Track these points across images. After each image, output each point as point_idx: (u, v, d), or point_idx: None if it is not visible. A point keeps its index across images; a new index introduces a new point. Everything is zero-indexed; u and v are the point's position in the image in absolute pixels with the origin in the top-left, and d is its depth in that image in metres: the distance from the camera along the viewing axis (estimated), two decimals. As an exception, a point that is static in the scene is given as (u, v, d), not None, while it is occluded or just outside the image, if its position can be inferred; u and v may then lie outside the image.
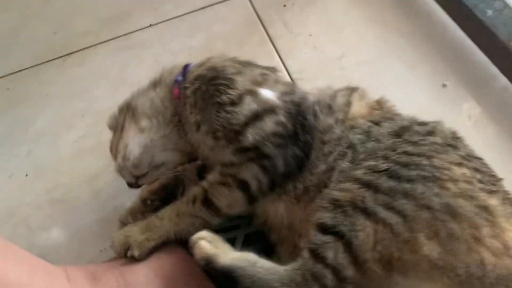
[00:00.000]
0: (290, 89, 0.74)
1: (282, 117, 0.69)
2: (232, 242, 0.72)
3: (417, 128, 0.69)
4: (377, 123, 0.70)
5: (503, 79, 0.97)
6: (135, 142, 0.75)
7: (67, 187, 0.98)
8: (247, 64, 0.76)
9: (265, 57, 1.13)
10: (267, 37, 1.17)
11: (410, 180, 0.59)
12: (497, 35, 0.95)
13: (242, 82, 0.70)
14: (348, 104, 0.74)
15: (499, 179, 0.65)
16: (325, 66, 1.07)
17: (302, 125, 0.69)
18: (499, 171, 0.89)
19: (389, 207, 0.58)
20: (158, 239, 0.69)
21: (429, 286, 0.57)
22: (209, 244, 0.63)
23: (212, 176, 0.70)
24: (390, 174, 0.61)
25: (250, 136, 0.67)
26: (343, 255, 0.58)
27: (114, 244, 0.70)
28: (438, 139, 0.66)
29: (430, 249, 0.55)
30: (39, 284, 0.60)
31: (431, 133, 0.68)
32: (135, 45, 1.23)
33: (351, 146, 0.68)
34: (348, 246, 0.58)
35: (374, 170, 0.62)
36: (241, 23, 1.21)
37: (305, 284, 0.58)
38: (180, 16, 1.26)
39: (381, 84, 0.80)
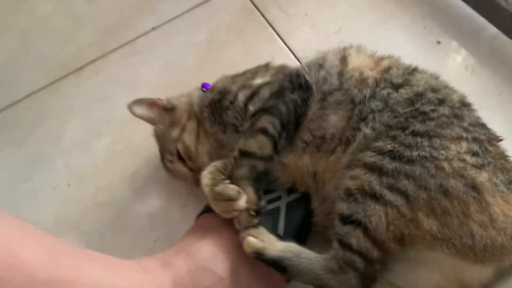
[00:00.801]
0: (279, 70, 0.91)
1: (275, 85, 0.85)
2: (276, 212, 0.81)
3: (430, 95, 0.76)
4: (394, 85, 0.78)
5: (491, 28, 1.05)
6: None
7: (109, 189, 1.04)
8: (242, 73, 0.94)
9: (267, 41, 1.19)
10: (265, 22, 1.23)
11: (410, 161, 0.68)
12: (481, -12, 1.02)
13: (235, 87, 0.89)
14: (344, 58, 0.84)
15: (499, 140, 0.75)
16: (326, 41, 1.13)
17: (290, 81, 0.84)
18: (500, 112, 0.98)
19: (393, 188, 0.67)
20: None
21: (433, 255, 0.67)
22: (255, 238, 0.73)
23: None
24: (393, 155, 0.69)
25: (252, 107, 0.84)
26: (364, 240, 0.67)
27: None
28: (446, 110, 0.74)
29: (429, 224, 0.65)
30: (119, 279, 0.64)
31: (441, 102, 0.75)
32: (142, 49, 1.28)
33: (366, 105, 0.77)
34: (366, 232, 0.67)
35: (379, 152, 0.70)
36: (239, 13, 1.27)
37: (342, 271, 0.68)
38: (179, 15, 1.31)
39: (380, 50, 0.88)
